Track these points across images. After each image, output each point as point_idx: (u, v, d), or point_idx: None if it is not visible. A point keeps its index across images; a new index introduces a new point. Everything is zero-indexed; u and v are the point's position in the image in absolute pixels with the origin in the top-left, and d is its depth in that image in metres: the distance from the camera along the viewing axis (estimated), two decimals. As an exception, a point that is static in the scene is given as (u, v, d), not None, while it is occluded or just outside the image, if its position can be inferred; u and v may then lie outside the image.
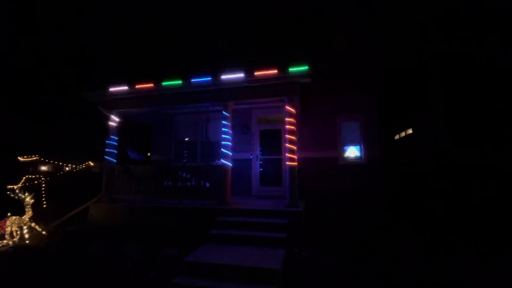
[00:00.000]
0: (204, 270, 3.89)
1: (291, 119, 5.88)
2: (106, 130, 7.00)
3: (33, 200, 5.84)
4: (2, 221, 5.62)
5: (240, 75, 6.00)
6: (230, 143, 6.17)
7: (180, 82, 6.38)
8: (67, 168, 7.75)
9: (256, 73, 5.91)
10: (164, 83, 6.50)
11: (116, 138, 7.03)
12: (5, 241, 5.41)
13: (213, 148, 8.17)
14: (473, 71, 6.33)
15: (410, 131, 11.72)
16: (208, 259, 4.07)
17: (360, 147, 7.49)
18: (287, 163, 5.86)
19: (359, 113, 7.54)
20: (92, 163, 8.31)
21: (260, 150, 8.09)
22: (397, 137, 14.23)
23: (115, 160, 6.93)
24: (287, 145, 5.85)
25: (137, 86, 6.67)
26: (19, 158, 7.01)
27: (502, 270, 3.90)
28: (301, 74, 5.66)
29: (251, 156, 8.01)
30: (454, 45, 6.83)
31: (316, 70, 6.25)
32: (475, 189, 5.97)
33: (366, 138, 7.43)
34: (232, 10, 9.08)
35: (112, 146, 6.92)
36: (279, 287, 3.60)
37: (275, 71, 5.79)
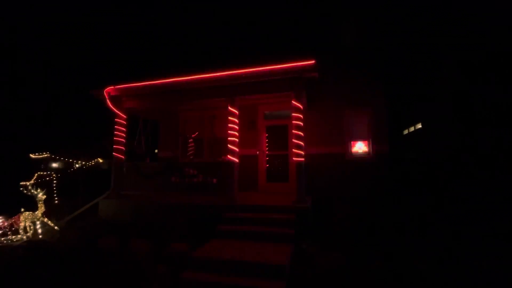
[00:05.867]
0: (212, 265, 3.93)
1: (298, 115, 5.81)
2: (114, 127, 7.08)
3: (45, 196, 5.97)
4: (16, 217, 5.78)
5: (247, 70, 5.96)
6: (236, 139, 6.16)
7: (186, 78, 6.39)
8: (77, 165, 7.90)
9: (262, 68, 5.85)
10: (170, 80, 6.51)
11: (124, 135, 7.10)
12: (19, 236, 5.57)
13: (220, 144, 8.19)
14: (479, 69, 6.15)
15: (419, 125, 11.43)
16: (215, 254, 4.10)
17: (368, 142, 7.38)
18: (294, 158, 5.82)
19: (367, 107, 7.41)
20: (101, 160, 8.44)
21: (267, 146, 8.06)
22: (406, 132, 13.98)
23: (123, 157, 7.02)
24: (294, 140, 5.80)
25: (143, 83, 6.71)
26: (30, 155, 7.17)
27: (504, 271, 3.83)
28: (308, 69, 5.58)
29: (257, 152, 7.99)
30: (463, 40, 6.64)
31: (323, 64, 6.15)
32: (477, 189, 5.84)
33: (374, 133, 7.31)
34: (239, 5, 9.00)
35: (120, 143, 6.99)
36: (287, 282, 3.60)
37: (282, 66, 5.72)
